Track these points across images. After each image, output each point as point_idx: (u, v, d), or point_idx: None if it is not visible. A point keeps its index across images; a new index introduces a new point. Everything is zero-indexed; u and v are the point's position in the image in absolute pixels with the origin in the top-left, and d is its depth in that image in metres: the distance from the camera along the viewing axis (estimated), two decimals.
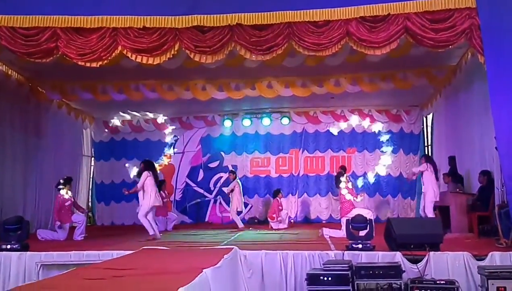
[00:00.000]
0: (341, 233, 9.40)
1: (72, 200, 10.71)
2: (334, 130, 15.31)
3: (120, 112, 14.90)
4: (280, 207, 13.16)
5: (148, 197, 9.86)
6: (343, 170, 11.89)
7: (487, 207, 9.23)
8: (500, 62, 7.45)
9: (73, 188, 12.84)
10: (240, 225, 12.80)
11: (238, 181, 13.38)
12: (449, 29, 7.78)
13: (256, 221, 14.75)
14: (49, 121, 13.02)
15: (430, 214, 10.01)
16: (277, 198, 13.30)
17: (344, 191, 10.19)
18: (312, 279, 6.53)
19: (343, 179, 10.42)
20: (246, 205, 14.98)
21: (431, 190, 10.11)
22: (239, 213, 13.33)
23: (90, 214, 15.66)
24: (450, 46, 8.06)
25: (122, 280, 4.57)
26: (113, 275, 4.70)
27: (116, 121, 15.76)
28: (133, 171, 14.37)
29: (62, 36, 8.17)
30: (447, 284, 6.33)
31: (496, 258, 6.91)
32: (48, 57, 8.44)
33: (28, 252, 7.56)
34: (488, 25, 7.52)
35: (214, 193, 15.70)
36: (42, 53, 8.36)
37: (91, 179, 16.01)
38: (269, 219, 13.11)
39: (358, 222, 7.87)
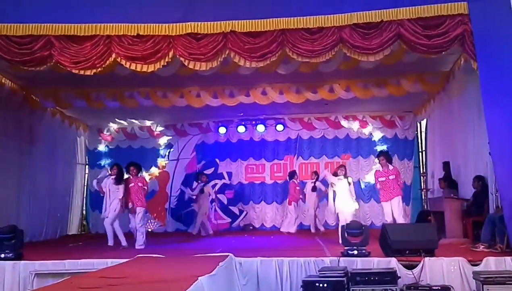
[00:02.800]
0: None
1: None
2: (329, 137, 15.36)
3: (116, 119, 14.86)
4: (297, 188, 13.18)
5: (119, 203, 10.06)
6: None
7: (482, 212, 9.25)
8: (493, 68, 7.49)
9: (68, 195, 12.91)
10: (210, 231, 12.95)
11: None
12: (442, 36, 7.82)
13: (251, 228, 14.72)
14: (42, 129, 12.97)
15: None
16: (293, 180, 13.27)
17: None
18: (308, 286, 6.52)
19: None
20: (241, 212, 14.97)
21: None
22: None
23: (84, 222, 15.60)
24: (443, 52, 8.11)
25: (117, 288, 4.55)
26: (108, 284, 4.68)
27: (110, 129, 15.72)
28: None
29: (56, 44, 8.16)
30: (442, 290, 6.35)
31: (491, 263, 6.93)
32: (42, 65, 8.43)
33: (22, 261, 7.51)
34: (480, 31, 7.56)
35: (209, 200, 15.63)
36: (36, 61, 8.35)
37: (85, 187, 15.94)
38: (288, 205, 13.09)
39: (353, 228, 7.88)
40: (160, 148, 15.93)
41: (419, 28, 7.85)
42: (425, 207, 13.47)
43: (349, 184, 10.58)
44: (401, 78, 11.33)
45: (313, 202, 13.22)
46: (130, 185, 10.31)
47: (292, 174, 13.65)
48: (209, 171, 15.74)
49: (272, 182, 15.62)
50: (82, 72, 8.39)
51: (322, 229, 13.34)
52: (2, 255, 7.63)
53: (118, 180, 10.24)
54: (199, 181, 13.19)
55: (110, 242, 10.06)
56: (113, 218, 10.15)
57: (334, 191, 10.57)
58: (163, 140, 15.85)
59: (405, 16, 7.81)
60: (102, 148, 16.02)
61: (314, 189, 13.33)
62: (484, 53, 7.54)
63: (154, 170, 15.83)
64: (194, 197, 13.51)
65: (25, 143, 12.11)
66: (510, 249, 7.09)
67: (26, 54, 8.25)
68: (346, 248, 7.54)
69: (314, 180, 13.37)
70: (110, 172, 10.57)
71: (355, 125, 15.23)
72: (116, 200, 10.12)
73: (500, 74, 7.45)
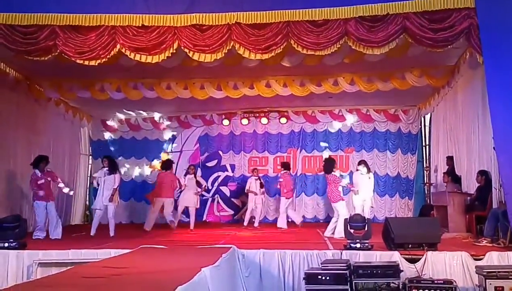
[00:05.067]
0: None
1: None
2: (332, 130, 15.36)
3: (124, 110, 14.91)
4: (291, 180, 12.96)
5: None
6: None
7: (485, 206, 9.24)
8: (499, 62, 7.47)
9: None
10: (174, 226, 11.99)
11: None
12: (448, 29, 7.79)
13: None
14: (46, 119, 13.01)
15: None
16: (288, 171, 13.06)
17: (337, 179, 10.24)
18: (310, 278, 6.54)
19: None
20: (244, 204, 14.97)
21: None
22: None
23: (87, 212, 15.63)
24: (449, 46, 8.07)
25: (120, 278, 4.56)
26: (111, 274, 4.69)
27: (114, 120, 15.74)
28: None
29: (61, 34, 8.17)
30: (445, 284, 6.34)
31: (494, 258, 6.93)
32: (47, 55, 8.45)
33: (26, 250, 7.55)
34: (486, 25, 7.53)
35: (212, 192, 15.67)
36: (41, 51, 8.37)
37: (88, 178, 15.97)
38: (282, 197, 12.79)
39: (356, 222, 7.88)
40: (164, 140, 15.92)
41: (425, 21, 7.82)
42: (428, 201, 13.47)
43: (369, 179, 10.91)
44: (405, 72, 11.28)
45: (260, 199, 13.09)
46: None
47: (287, 165, 13.37)
48: (212, 163, 15.79)
49: (275, 175, 15.60)
50: (86, 62, 8.42)
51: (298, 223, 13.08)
52: (6, 244, 7.66)
53: (112, 170, 10.69)
54: (189, 173, 12.97)
55: (112, 233, 10.32)
56: (113, 209, 10.53)
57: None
58: (166, 132, 15.84)
59: (411, 9, 7.80)
60: (105, 138, 16.03)
61: (261, 185, 13.44)
62: (490, 47, 7.52)
63: (157, 161, 15.84)
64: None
65: (29, 134, 12.13)
66: None
67: (30, 44, 8.27)
68: (349, 241, 7.55)
69: (257, 177, 13.46)
70: (102, 164, 11.01)
71: (358, 119, 15.18)
72: (111, 190, 10.51)
73: (506, 68, 7.42)
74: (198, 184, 12.80)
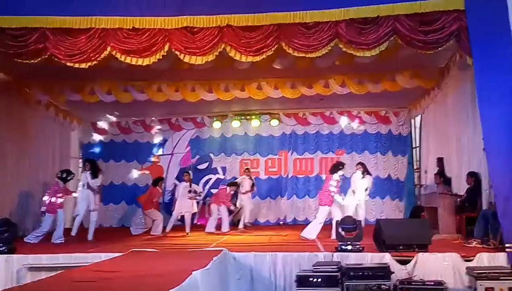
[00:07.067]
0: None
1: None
2: (324, 132, 15.39)
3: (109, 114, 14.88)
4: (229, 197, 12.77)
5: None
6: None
7: (475, 208, 9.29)
8: (488, 63, 7.50)
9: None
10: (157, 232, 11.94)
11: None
12: (438, 31, 7.83)
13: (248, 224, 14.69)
14: (36, 122, 12.89)
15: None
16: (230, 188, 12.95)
17: (333, 182, 10.07)
18: (302, 280, 6.55)
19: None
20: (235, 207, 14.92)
21: None
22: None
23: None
24: (439, 48, 8.10)
25: (111, 282, 4.54)
26: (102, 277, 4.68)
27: (104, 123, 15.67)
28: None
29: (51, 37, 8.13)
30: (435, 285, 6.39)
31: (484, 259, 6.97)
32: (37, 58, 8.39)
33: (16, 255, 7.49)
34: (476, 27, 7.57)
35: (203, 195, 15.62)
36: (31, 54, 8.32)
37: (78, 181, 15.83)
38: (213, 204, 12.71)
39: (347, 224, 7.89)
40: (154, 142, 15.88)
41: (415, 24, 7.86)
42: (419, 203, 13.52)
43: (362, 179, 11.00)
44: (396, 74, 11.32)
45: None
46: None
47: (234, 184, 13.34)
48: (203, 166, 15.74)
49: (266, 177, 15.60)
50: (76, 65, 8.37)
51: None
52: None
53: (95, 174, 10.76)
54: (184, 180, 12.98)
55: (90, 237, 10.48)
56: (96, 213, 10.82)
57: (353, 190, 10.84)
58: (157, 135, 15.80)
59: (401, 12, 7.82)
60: (95, 141, 15.95)
61: (253, 185, 13.66)
62: (479, 49, 7.55)
63: (148, 164, 15.81)
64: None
65: (18, 137, 12.03)
66: (503, 245, 7.11)
67: (20, 47, 8.22)
68: (340, 243, 7.56)
69: (249, 177, 13.71)
70: (85, 169, 11.14)
71: (349, 121, 15.22)
72: (94, 193, 10.68)
73: (496, 70, 7.45)
74: (194, 192, 12.82)
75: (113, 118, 15.41)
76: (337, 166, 10.39)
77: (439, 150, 12.19)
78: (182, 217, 12.60)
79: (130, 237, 11.17)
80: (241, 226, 13.01)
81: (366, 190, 10.96)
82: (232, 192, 13.06)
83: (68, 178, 10.64)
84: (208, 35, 8.16)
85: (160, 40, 8.20)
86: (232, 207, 12.94)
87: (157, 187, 12.53)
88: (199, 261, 5.66)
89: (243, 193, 13.51)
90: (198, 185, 15.39)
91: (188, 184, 12.64)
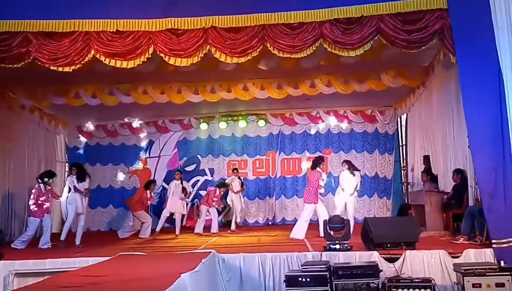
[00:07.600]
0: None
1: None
2: (311, 132, 15.42)
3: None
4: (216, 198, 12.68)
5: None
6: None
7: (461, 205, 9.37)
8: (472, 62, 7.56)
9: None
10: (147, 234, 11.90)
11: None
12: (422, 30, 7.87)
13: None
14: (21, 127, 12.79)
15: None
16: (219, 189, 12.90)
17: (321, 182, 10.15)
18: (291, 280, 6.56)
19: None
20: (225, 208, 14.91)
21: None
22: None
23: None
24: (422, 47, 8.14)
25: (99, 287, 4.51)
26: (90, 282, 4.64)
27: (90, 126, 15.58)
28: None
29: (34, 40, 8.04)
30: (423, 282, 6.42)
31: (471, 255, 7.04)
32: (20, 62, 8.29)
33: (2, 261, 7.41)
34: (459, 25, 7.61)
35: (191, 197, 15.58)
36: (13, 58, 8.21)
37: (65, 185, 15.72)
38: (203, 205, 12.66)
39: (335, 223, 7.92)
40: (141, 145, 15.82)
41: (399, 23, 7.89)
42: (406, 201, 13.60)
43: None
44: (381, 73, 11.39)
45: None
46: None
47: (223, 184, 13.37)
48: (191, 168, 15.71)
49: (254, 178, 15.61)
50: (60, 69, 8.28)
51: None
52: None
53: (81, 177, 10.65)
54: (175, 179, 12.91)
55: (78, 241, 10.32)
56: (84, 217, 10.68)
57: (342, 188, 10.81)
58: (144, 137, 15.75)
59: (385, 11, 7.85)
60: (81, 145, 15.85)
61: (242, 185, 13.71)
62: (463, 48, 7.61)
63: (135, 167, 15.74)
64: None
65: (3, 141, 11.91)
66: (490, 241, 7.18)
67: (3, 51, 8.11)
68: (328, 242, 7.58)
69: (238, 176, 13.73)
70: (71, 173, 11.04)
71: (336, 120, 15.27)
72: (81, 196, 10.54)
73: (479, 68, 7.51)
74: (183, 190, 12.74)
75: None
76: (318, 160, 10.57)
77: (425, 148, 12.28)
78: (170, 217, 12.54)
79: (118, 240, 11.11)
80: (233, 227, 12.98)
81: (356, 187, 10.94)
82: (222, 193, 13.03)
83: (50, 181, 10.44)
84: (193, 37, 8.13)
85: (145, 43, 8.15)
86: (222, 205, 12.94)
87: (149, 190, 12.39)
88: (187, 263, 5.64)
89: (235, 193, 13.50)
90: None
91: (179, 182, 12.62)
